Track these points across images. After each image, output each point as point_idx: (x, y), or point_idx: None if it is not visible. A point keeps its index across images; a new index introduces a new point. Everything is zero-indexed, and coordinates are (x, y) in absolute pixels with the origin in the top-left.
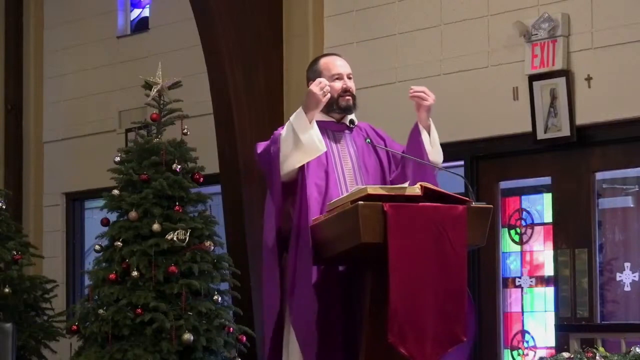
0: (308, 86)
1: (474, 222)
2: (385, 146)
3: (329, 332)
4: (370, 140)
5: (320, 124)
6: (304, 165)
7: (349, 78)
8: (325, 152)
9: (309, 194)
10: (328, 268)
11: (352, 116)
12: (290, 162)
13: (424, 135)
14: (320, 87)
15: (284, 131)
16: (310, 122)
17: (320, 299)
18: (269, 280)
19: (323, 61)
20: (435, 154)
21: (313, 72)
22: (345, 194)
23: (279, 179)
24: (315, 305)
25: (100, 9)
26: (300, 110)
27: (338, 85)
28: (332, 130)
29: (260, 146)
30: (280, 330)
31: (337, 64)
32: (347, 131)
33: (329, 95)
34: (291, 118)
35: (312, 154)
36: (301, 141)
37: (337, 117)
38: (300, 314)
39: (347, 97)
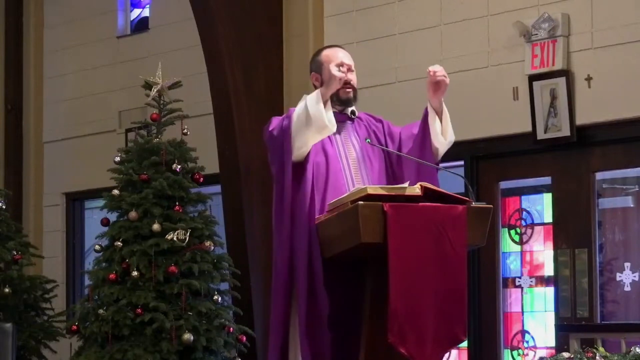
0: (311, 78)
1: (474, 222)
2: (383, 130)
3: (328, 332)
4: (371, 140)
5: None
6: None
7: (351, 70)
8: (330, 142)
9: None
10: (327, 268)
11: (352, 107)
12: (301, 139)
13: (437, 122)
14: (340, 73)
15: (297, 106)
16: (325, 103)
17: (318, 298)
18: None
19: (325, 53)
20: (448, 137)
21: (316, 64)
22: (349, 183)
23: (290, 154)
24: (317, 305)
25: (100, 9)
26: (318, 90)
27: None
28: (335, 121)
29: (275, 121)
30: (286, 332)
31: (339, 55)
32: (349, 122)
33: (344, 79)
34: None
35: (320, 130)
36: (310, 116)
37: (338, 108)
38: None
39: (348, 90)
